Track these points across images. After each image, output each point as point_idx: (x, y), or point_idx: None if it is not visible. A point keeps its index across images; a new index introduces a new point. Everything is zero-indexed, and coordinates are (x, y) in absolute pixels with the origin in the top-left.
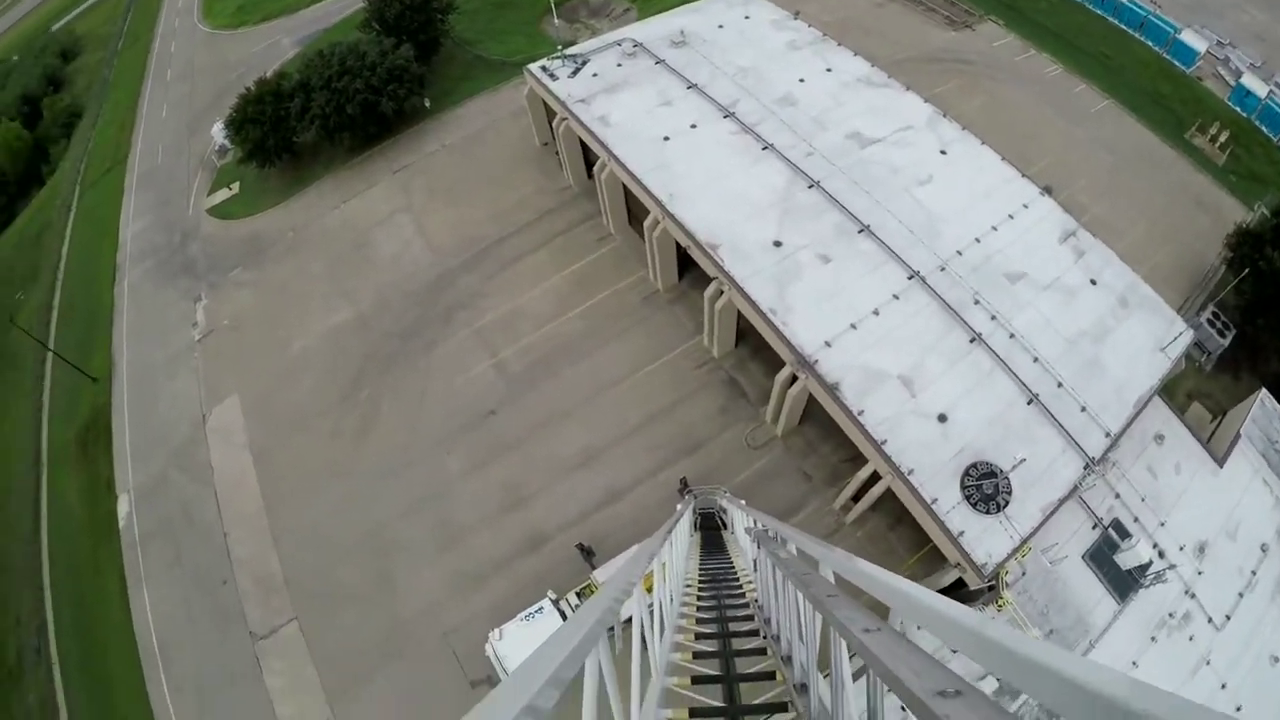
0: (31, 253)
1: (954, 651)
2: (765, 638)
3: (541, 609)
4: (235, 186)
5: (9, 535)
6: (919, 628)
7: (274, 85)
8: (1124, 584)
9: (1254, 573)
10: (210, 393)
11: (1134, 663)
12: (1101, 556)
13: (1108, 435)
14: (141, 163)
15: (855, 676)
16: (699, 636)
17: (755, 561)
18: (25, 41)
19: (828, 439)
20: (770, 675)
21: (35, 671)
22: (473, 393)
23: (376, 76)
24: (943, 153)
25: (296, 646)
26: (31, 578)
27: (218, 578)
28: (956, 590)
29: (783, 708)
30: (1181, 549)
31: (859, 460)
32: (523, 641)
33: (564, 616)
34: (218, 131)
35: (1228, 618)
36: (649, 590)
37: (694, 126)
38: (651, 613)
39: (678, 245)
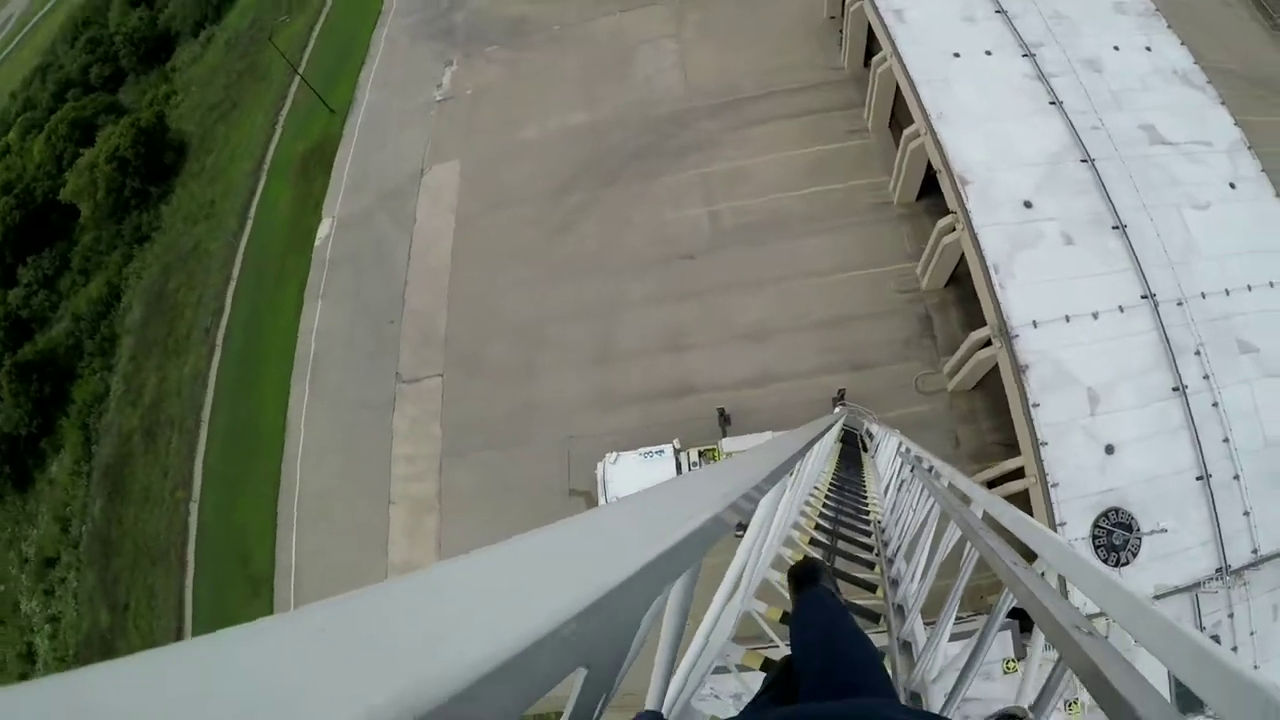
0: None
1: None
2: (878, 555)
3: (662, 451)
4: None
5: (217, 226)
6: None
7: None
8: (1192, 702)
9: None
10: (435, 151)
11: None
12: None
13: (1255, 552)
14: None
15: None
16: (812, 541)
17: (900, 482)
18: None
19: (991, 416)
20: (871, 587)
21: (199, 348)
22: (678, 232)
23: None
24: (1231, 186)
25: (432, 399)
26: (223, 267)
27: (387, 316)
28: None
29: (876, 618)
30: None
31: (1011, 450)
32: (633, 474)
33: (679, 468)
34: None
35: None
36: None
37: (989, 53)
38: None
39: (928, 165)
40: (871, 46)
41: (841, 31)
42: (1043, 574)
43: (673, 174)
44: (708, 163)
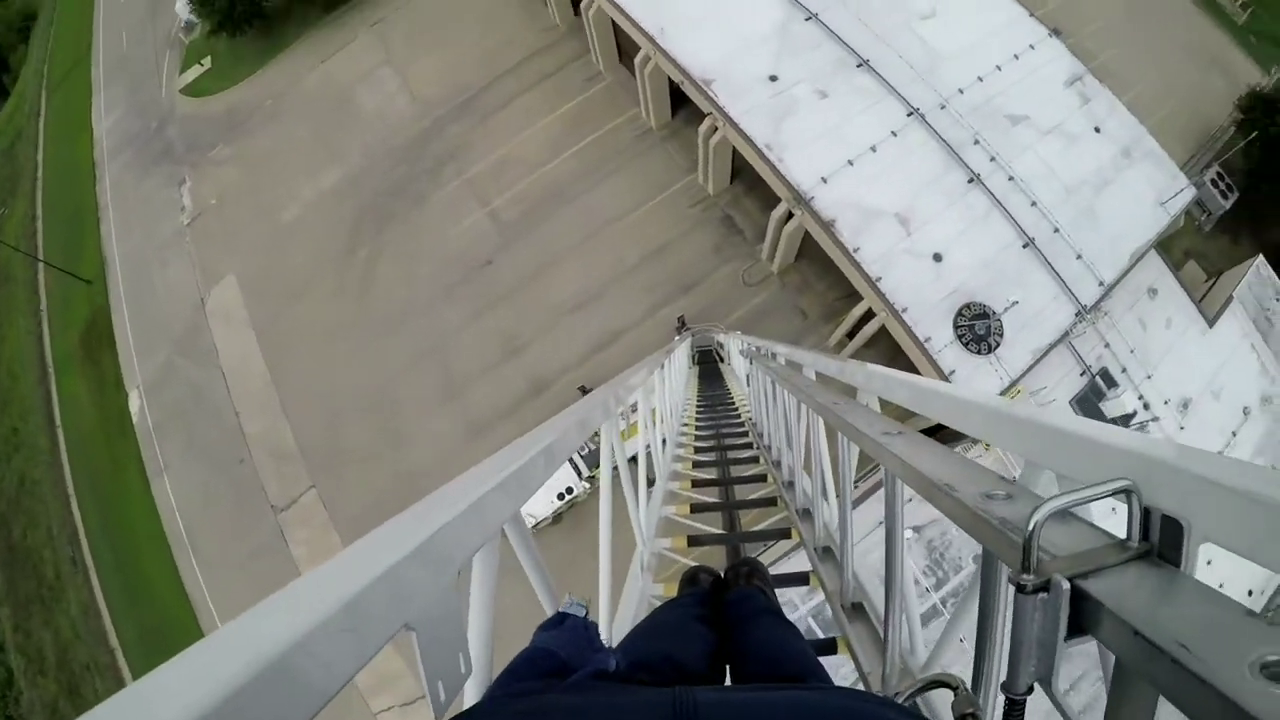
0: (6, 165)
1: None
2: (757, 448)
3: None
4: (207, 61)
5: (30, 451)
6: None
7: None
8: None
9: (1234, 434)
10: (206, 275)
11: (1114, 509)
12: (1088, 404)
13: (1101, 284)
14: (106, 53)
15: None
16: (697, 465)
17: (748, 377)
18: None
19: (823, 276)
20: (762, 478)
21: (74, 580)
22: (467, 243)
23: None
24: None
25: (316, 513)
26: (56, 489)
27: (234, 457)
28: (944, 429)
29: (786, 533)
30: (1166, 403)
31: (854, 298)
32: None
33: (572, 461)
34: (181, 7)
35: None
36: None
37: None
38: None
39: (670, 81)
40: None
41: None
42: (867, 403)
43: (439, 191)
44: (467, 167)
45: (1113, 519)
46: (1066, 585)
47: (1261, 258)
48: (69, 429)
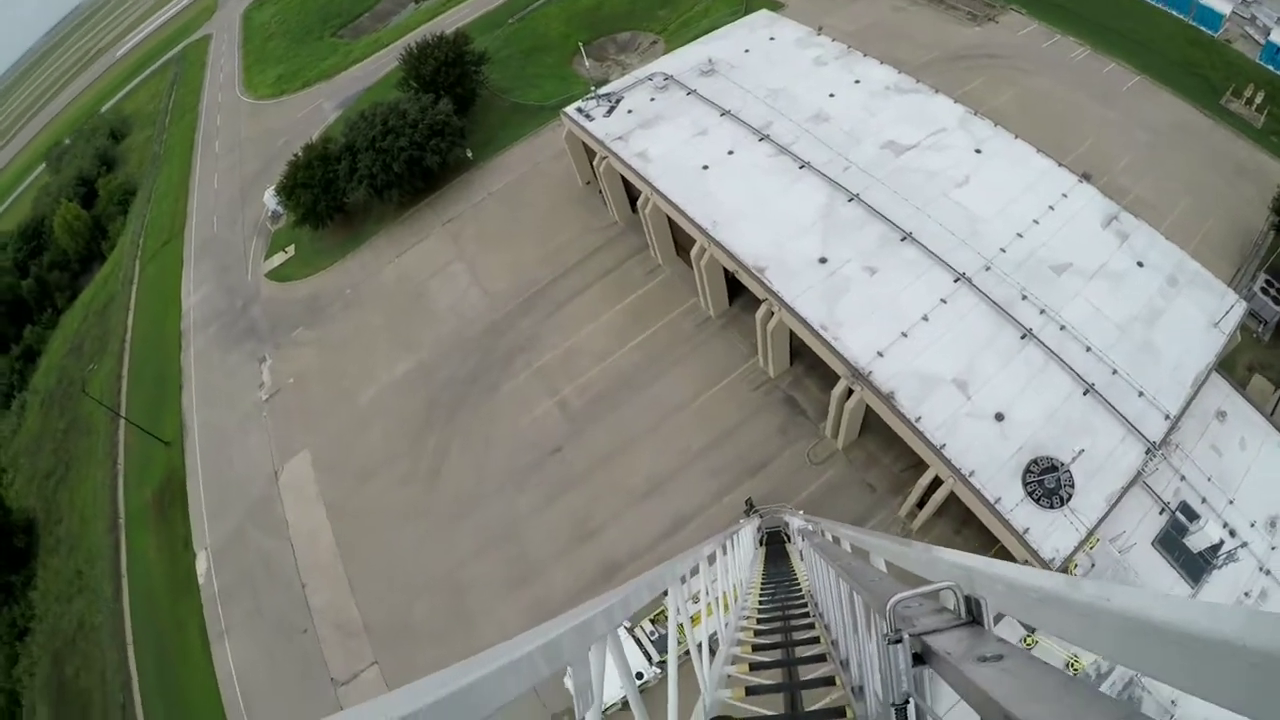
0: (98, 325)
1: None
2: (825, 643)
3: None
4: (291, 249)
5: (93, 596)
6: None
7: (320, 150)
8: (1196, 567)
9: None
10: (281, 449)
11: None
12: (1171, 541)
13: (1167, 418)
14: (198, 233)
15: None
16: (757, 649)
17: (800, 553)
18: (76, 124)
19: (889, 449)
20: (830, 681)
21: None
22: (537, 432)
23: (419, 132)
24: (977, 151)
25: (377, 689)
26: (115, 637)
27: (297, 626)
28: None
29: (841, 713)
30: (1253, 525)
31: (921, 467)
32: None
33: (639, 643)
34: (269, 198)
35: None
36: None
37: (731, 152)
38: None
39: (726, 270)
40: (632, 192)
41: (601, 192)
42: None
43: (510, 381)
44: (537, 358)
45: None
46: (908, 637)
47: None
48: (134, 580)
